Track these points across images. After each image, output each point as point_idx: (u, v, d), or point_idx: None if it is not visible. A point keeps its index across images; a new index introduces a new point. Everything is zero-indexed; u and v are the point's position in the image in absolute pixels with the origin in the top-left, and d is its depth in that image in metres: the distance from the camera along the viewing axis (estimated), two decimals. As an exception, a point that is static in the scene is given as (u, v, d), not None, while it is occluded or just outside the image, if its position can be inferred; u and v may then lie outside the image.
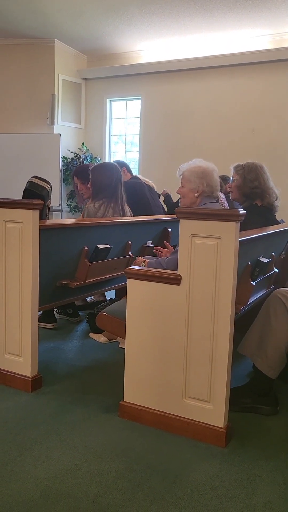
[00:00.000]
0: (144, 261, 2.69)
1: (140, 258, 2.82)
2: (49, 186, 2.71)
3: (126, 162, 6.09)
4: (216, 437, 2.03)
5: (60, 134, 7.91)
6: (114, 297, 3.89)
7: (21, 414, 2.22)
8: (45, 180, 2.71)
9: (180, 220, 2.01)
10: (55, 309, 3.71)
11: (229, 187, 3.38)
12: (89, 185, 3.57)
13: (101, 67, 8.45)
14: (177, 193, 2.70)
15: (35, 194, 2.65)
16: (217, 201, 2.74)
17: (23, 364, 2.46)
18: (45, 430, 2.09)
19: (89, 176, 3.52)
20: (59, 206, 7.90)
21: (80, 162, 8.27)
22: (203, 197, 2.59)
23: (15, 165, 7.84)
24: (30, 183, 2.68)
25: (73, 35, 7.75)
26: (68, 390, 2.51)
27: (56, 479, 1.75)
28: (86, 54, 8.61)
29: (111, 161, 8.58)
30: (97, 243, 2.93)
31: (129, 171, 4.34)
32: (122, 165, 4.29)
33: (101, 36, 7.74)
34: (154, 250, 3.00)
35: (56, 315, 3.75)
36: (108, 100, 8.64)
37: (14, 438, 2.02)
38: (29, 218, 2.33)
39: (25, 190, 2.69)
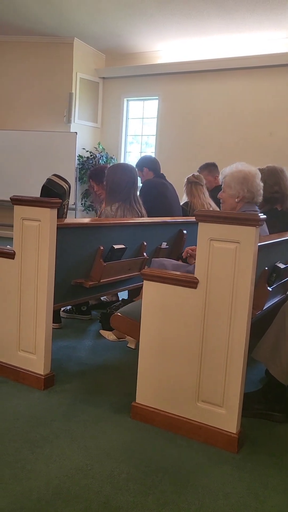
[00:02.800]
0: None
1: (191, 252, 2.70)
2: (67, 186, 2.71)
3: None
4: (228, 442, 2.01)
5: (76, 132, 7.93)
6: (126, 298, 3.88)
7: (34, 412, 2.23)
8: (63, 178, 2.71)
9: (199, 223, 2.00)
10: (62, 309, 3.71)
11: None
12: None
13: (119, 67, 8.45)
14: (218, 197, 2.66)
15: (51, 192, 2.65)
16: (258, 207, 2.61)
17: (36, 362, 2.47)
18: (57, 428, 2.10)
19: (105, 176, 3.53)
20: (74, 204, 7.92)
21: (95, 162, 8.28)
22: (244, 203, 2.52)
23: (31, 162, 7.89)
24: (48, 181, 2.69)
25: (92, 33, 7.77)
26: (80, 389, 2.51)
27: (67, 478, 1.75)
28: (105, 53, 8.63)
29: (128, 161, 8.62)
30: (112, 243, 2.93)
31: (153, 169, 4.30)
32: (145, 164, 4.26)
33: (120, 35, 7.75)
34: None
35: (64, 314, 3.75)
36: (125, 100, 8.64)
37: (26, 435, 2.02)
38: (47, 216, 2.34)
39: (43, 187, 2.70)
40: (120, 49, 8.30)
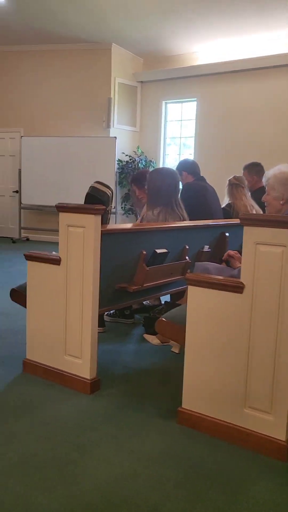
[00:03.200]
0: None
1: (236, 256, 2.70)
2: (110, 192, 2.74)
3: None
4: (277, 450, 1.97)
5: (116, 137, 8.00)
6: (169, 300, 3.88)
7: (81, 416, 2.26)
8: (107, 185, 2.75)
9: (244, 227, 1.98)
10: (105, 314, 3.75)
11: None
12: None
13: (157, 70, 8.48)
14: (262, 200, 2.63)
15: (95, 199, 2.69)
16: None
17: (82, 366, 2.50)
18: (104, 433, 2.11)
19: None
20: (114, 208, 8.00)
21: (134, 165, 8.33)
22: None
23: (72, 168, 8.03)
24: (92, 188, 2.73)
25: (129, 38, 7.84)
26: (125, 393, 2.52)
27: (116, 483, 1.76)
28: (142, 57, 8.68)
29: (166, 164, 8.62)
30: (154, 247, 2.93)
31: (193, 173, 4.27)
32: (184, 168, 4.24)
33: (157, 39, 7.77)
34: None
35: (108, 318, 3.79)
36: (163, 103, 8.65)
37: (75, 439, 2.05)
38: (91, 222, 2.37)
39: (87, 195, 2.74)
40: (157, 52, 8.33)
